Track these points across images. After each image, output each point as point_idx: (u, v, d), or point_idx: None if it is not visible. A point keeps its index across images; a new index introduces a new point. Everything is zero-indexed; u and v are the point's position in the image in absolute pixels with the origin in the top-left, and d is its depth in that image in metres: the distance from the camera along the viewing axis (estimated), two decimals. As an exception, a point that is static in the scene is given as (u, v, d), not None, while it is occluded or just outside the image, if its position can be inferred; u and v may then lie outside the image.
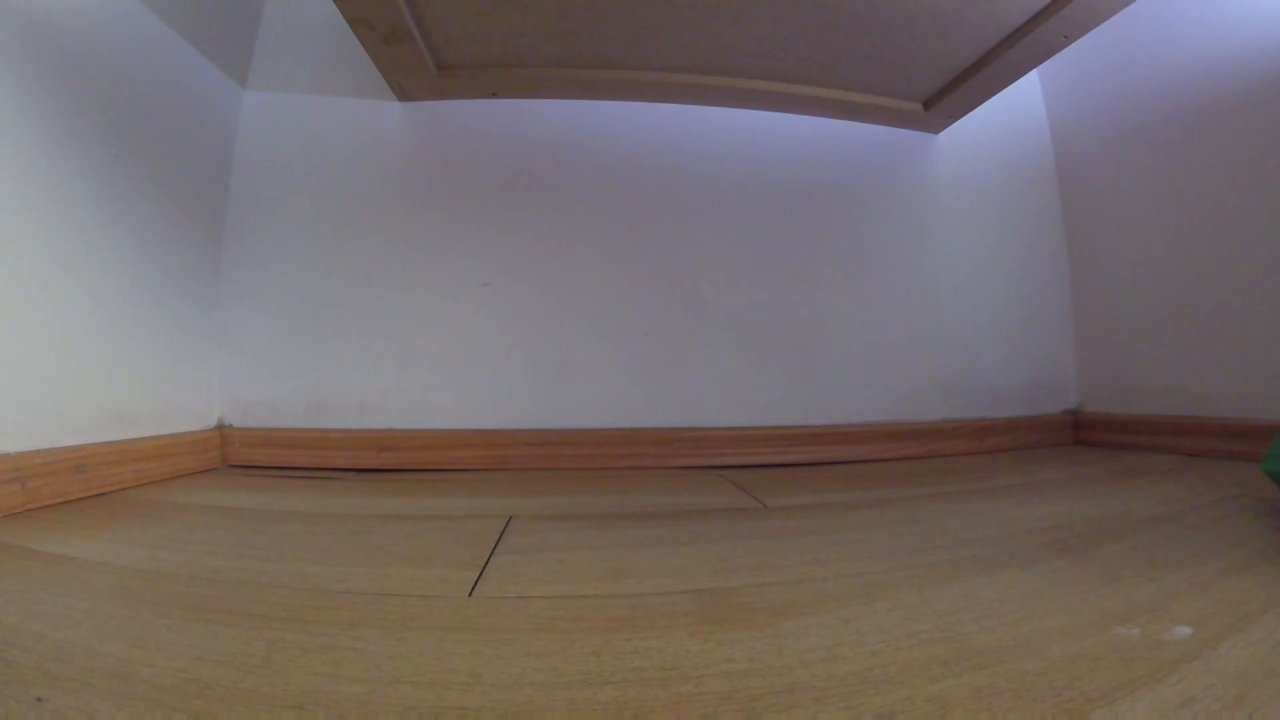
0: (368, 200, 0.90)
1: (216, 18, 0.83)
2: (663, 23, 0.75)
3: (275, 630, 0.30)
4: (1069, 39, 0.76)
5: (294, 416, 0.86)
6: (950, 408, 0.99)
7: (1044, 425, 1.02)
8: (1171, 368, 0.90)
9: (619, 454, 0.88)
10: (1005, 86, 0.88)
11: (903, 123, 0.99)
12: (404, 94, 0.89)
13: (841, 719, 0.22)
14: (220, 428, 0.84)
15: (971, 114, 0.97)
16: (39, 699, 0.23)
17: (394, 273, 0.89)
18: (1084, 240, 1.04)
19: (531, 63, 0.84)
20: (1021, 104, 1.07)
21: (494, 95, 0.90)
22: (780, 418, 0.93)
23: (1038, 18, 0.72)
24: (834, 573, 0.39)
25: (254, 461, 0.83)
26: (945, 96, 0.90)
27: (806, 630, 0.30)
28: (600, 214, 0.93)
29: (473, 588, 0.37)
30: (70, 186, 0.61)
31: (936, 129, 1.01)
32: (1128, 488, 0.64)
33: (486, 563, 0.42)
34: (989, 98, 0.91)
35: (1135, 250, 0.95)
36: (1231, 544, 0.43)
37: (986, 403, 1.00)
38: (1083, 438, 1.02)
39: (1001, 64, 0.81)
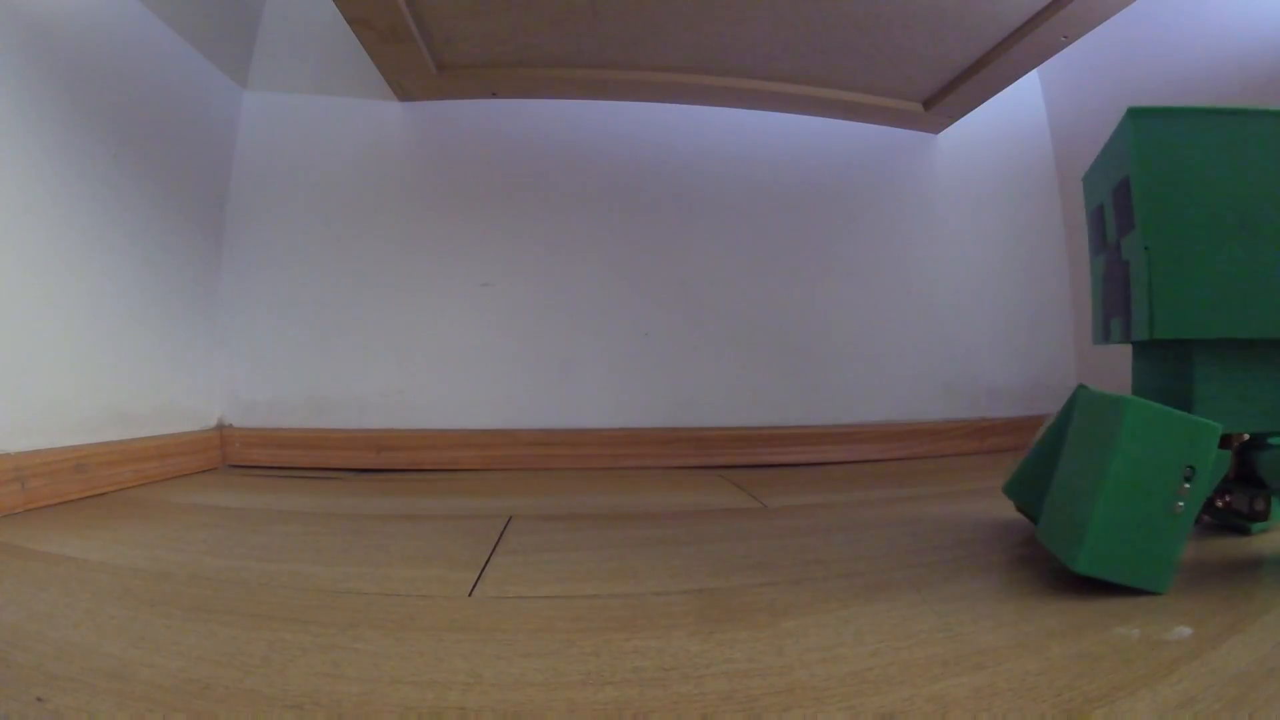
0: (368, 200, 0.90)
1: (216, 18, 0.83)
2: (664, 23, 0.75)
3: (275, 630, 0.30)
4: (1069, 39, 0.76)
5: (294, 416, 0.86)
6: (950, 408, 0.99)
7: (1044, 425, 1.02)
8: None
9: (619, 454, 0.88)
10: (1005, 86, 0.88)
11: (903, 123, 0.98)
12: (404, 94, 0.89)
13: (841, 719, 0.22)
14: (220, 428, 0.84)
15: (971, 114, 0.97)
16: (39, 699, 0.23)
17: (394, 272, 0.89)
18: (1084, 240, 1.03)
19: (532, 63, 0.84)
20: (1021, 104, 1.07)
21: (494, 95, 0.90)
22: (780, 418, 0.93)
23: (1038, 18, 0.72)
24: (834, 573, 0.39)
25: (254, 461, 0.83)
26: (945, 96, 0.90)
27: (806, 630, 0.30)
28: (600, 214, 0.93)
29: (472, 588, 0.37)
30: (71, 186, 0.61)
31: (936, 129, 1.01)
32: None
33: (486, 563, 0.42)
34: (989, 98, 0.91)
35: (1135, 250, 0.94)
36: (1232, 543, 0.43)
37: (986, 403, 1.00)
38: (1083, 438, 1.02)
39: (1001, 64, 0.81)
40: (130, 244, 0.69)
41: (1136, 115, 0.37)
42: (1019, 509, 0.49)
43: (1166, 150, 0.36)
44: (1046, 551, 0.43)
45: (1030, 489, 0.46)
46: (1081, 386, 0.45)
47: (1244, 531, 0.45)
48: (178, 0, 0.75)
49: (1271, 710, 0.22)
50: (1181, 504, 0.33)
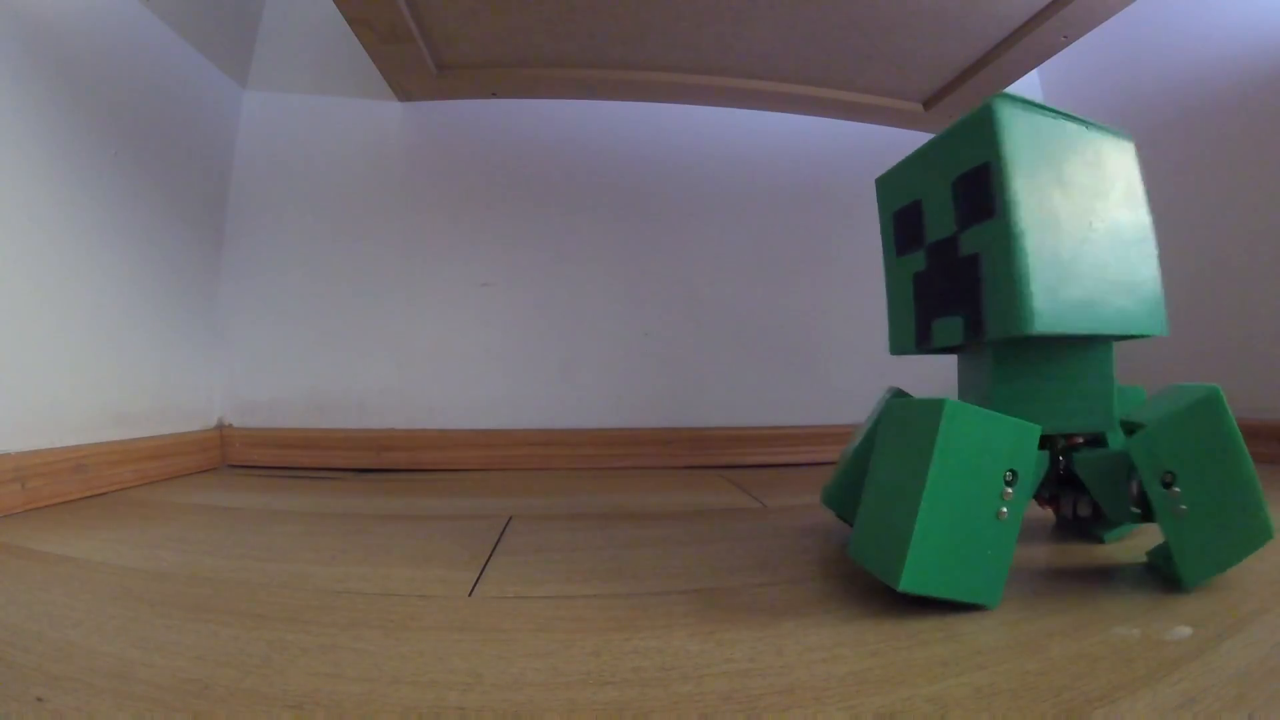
0: (368, 200, 0.90)
1: (216, 18, 0.83)
2: (663, 23, 0.75)
3: (275, 630, 0.30)
4: (1069, 39, 0.76)
5: (294, 416, 0.86)
6: (950, 408, 0.98)
7: (1044, 425, 1.01)
8: (1172, 367, 0.90)
9: (619, 454, 0.88)
10: (1005, 87, 0.88)
11: (903, 123, 0.98)
12: (404, 94, 0.89)
13: (841, 719, 0.22)
14: (220, 428, 0.84)
15: (971, 114, 0.97)
16: (39, 699, 0.23)
17: (393, 272, 0.89)
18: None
19: (531, 63, 0.84)
20: (1021, 104, 1.06)
21: (494, 95, 0.90)
22: (780, 418, 0.93)
23: (1038, 18, 0.72)
24: (834, 573, 0.39)
25: (254, 461, 0.83)
26: (945, 96, 0.90)
27: (806, 630, 0.30)
28: (600, 214, 0.93)
29: (473, 588, 0.37)
30: (70, 186, 0.61)
31: (936, 129, 1.01)
32: (1128, 488, 0.64)
33: (486, 563, 0.42)
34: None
35: (1135, 250, 0.94)
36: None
37: (986, 403, 1.00)
38: (1083, 438, 1.02)
39: (1001, 64, 0.81)
40: (130, 243, 0.69)
41: (1002, 102, 0.34)
42: (840, 518, 0.49)
43: (1030, 138, 0.34)
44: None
45: (849, 500, 0.44)
46: (897, 391, 0.44)
47: (1097, 540, 0.44)
48: (177, 0, 0.75)
49: (1272, 710, 0.22)
50: (1006, 510, 0.32)
